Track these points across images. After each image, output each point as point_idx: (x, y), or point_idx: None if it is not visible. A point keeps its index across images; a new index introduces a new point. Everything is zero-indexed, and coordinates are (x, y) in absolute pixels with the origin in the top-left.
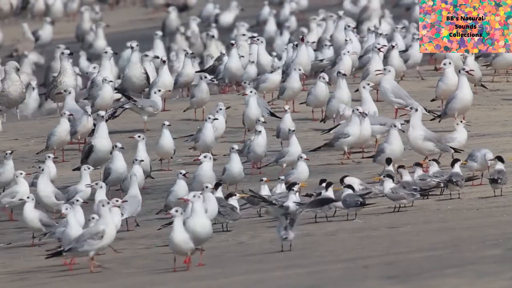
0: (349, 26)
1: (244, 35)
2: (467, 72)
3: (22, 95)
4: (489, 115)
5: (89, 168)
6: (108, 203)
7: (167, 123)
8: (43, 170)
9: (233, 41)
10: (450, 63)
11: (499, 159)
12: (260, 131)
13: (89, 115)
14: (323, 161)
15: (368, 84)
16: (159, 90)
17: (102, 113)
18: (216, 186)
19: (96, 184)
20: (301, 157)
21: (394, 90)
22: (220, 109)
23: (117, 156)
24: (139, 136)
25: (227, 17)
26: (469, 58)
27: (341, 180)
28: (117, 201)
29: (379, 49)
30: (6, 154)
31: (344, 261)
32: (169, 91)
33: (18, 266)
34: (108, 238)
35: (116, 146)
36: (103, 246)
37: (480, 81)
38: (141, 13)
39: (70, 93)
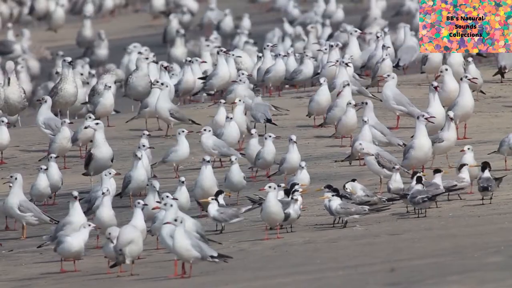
0: (355, 31)
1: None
2: (470, 80)
3: (22, 100)
4: (490, 122)
5: (110, 173)
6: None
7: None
8: (45, 169)
9: (222, 48)
10: (446, 69)
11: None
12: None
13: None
14: (324, 168)
15: (433, 85)
16: (157, 82)
17: (91, 122)
18: (217, 194)
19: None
20: (301, 166)
21: (395, 97)
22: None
23: (138, 164)
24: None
25: (227, 24)
26: (471, 66)
27: (344, 186)
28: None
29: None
30: None
31: (346, 268)
32: (166, 86)
33: (19, 273)
34: None
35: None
36: None
37: (480, 87)
38: (143, 20)
39: (46, 101)
